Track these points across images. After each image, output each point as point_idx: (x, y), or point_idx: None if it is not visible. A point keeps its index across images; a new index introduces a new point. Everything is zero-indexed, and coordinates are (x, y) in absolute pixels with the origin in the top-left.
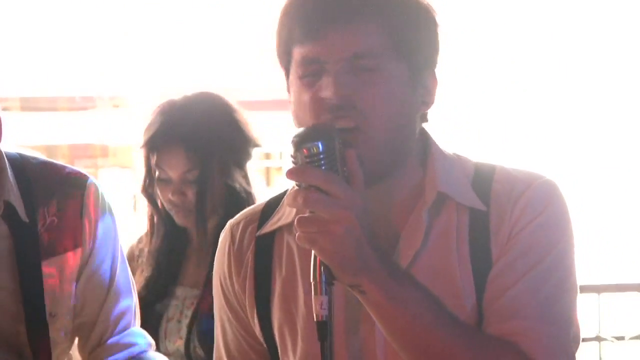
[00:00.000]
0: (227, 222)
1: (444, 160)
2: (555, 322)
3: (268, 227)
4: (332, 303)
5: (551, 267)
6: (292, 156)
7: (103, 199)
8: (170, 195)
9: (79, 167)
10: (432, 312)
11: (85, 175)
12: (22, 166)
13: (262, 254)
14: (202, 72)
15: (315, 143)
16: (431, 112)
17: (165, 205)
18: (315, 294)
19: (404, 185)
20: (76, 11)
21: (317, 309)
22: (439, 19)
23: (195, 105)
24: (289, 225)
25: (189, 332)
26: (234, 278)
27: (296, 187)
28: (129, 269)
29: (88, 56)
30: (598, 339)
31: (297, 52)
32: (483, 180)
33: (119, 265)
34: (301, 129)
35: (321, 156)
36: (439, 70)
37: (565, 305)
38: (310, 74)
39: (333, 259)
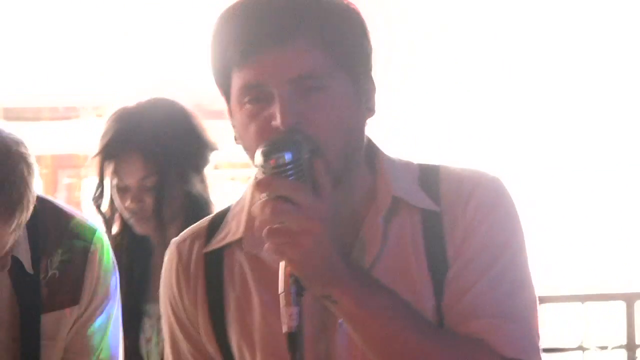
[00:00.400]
0: (191, 223)
1: (391, 164)
2: (518, 317)
3: (216, 244)
4: (302, 313)
5: (508, 264)
6: (261, 166)
7: (108, 254)
8: (128, 203)
9: (62, 176)
10: (403, 316)
11: (92, 228)
12: (34, 212)
13: (212, 270)
14: (184, 80)
15: (283, 153)
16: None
17: (124, 214)
18: (286, 305)
19: (355, 194)
20: (59, 21)
21: (287, 321)
22: (364, 18)
23: (151, 112)
24: (238, 241)
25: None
26: (184, 296)
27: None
28: (120, 326)
29: (71, 66)
30: (581, 348)
31: (237, 77)
32: (430, 181)
33: (111, 324)
34: (269, 140)
35: (289, 166)
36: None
37: (525, 300)
38: (253, 99)
39: (303, 269)
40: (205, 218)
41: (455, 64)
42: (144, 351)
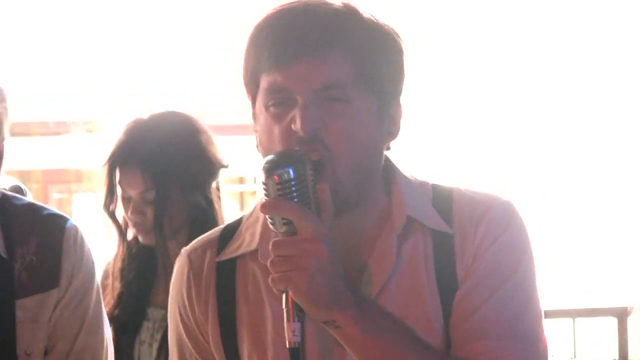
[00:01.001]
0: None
1: (407, 184)
2: (523, 339)
3: (229, 253)
4: (304, 329)
5: (515, 286)
6: (263, 183)
7: (82, 241)
8: (129, 214)
9: (53, 191)
10: (404, 340)
11: (65, 217)
12: (3, 205)
13: (224, 280)
14: (175, 96)
15: (286, 169)
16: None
17: (128, 223)
18: (288, 320)
19: (370, 213)
20: (49, 37)
21: (289, 336)
22: (404, 45)
23: (157, 125)
24: (253, 252)
25: (158, 356)
26: (194, 305)
27: (269, 221)
28: (104, 310)
29: (61, 81)
30: None
31: (265, 80)
32: (443, 202)
33: (91, 307)
34: (271, 156)
35: (292, 182)
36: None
37: (531, 322)
38: (277, 103)
39: (308, 296)
40: (216, 228)
41: (463, 76)
42: (135, 352)
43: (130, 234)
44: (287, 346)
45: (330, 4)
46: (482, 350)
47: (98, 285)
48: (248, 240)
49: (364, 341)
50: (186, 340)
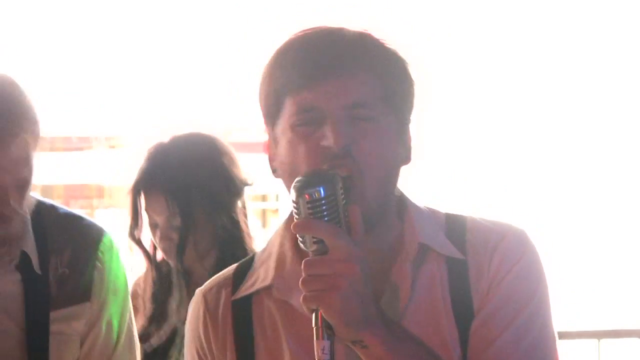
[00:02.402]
0: (221, 264)
1: (419, 214)
2: None
3: (244, 291)
4: (333, 349)
5: (532, 316)
6: (293, 202)
7: (117, 254)
8: (158, 241)
9: (75, 207)
10: None
11: (101, 229)
12: (41, 214)
13: (241, 317)
14: (198, 112)
15: (318, 188)
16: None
17: (159, 248)
18: (317, 338)
19: (385, 240)
20: (73, 52)
21: (318, 354)
22: (415, 76)
23: (179, 149)
24: (267, 288)
25: None
26: (212, 344)
27: (299, 239)
28: (135, 326)
29: (85, 96)
30: None
31: (292, 101)
32: (456, 231)
33: (126, 322)
34: (303, 175)
35: (323, 202)
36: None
37: (548, 351)
38: (305, 122)
39: (341, 315)
40: (230, 267)
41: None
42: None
43: (159, 254)
44: None
45: (350, 29)
46: None
47: (130, 300)
48: (262, 277)
49: None
50: None
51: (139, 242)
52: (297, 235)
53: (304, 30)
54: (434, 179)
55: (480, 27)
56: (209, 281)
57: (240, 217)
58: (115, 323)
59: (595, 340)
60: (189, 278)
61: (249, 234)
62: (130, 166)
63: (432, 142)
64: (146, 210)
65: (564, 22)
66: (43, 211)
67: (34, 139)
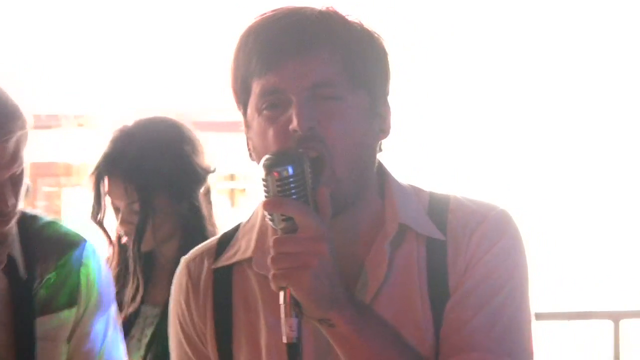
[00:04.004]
0: (183, 251)
1: (401, 191)
2: (513, 352)
3: (225, 261)
4: (302, 325)
5: (507, 299)
6: (262, 179)
7: (99, 261)
8: (119, 224)
9: (42, 185)
10: (396, 346)
11: (82, 236)
12: (24, 223)
13: (221, 287)
14: (167, 92)
15: (286, 167)
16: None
17: (120, 232)
18: (286, 316)
19: (364, 217)
20: (41, 31)
21: (287, 331)
22: (388, 47)
23: (141, 135)
24: (248, 260)
25: (147, 351)
26: (193, 312)
27: (267, 217)
28: (120, 331)
29: (54, 75)
30: None
31: (257, 84)
32: (439, 210)
33: (111, 328)
34: (271, 154)
35: (291, 180)
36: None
37: (522, 335)
38: (271, 105)
39: (310, 293)
40: (215, 237)
41: (461, 80)
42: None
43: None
44: (285, 341)
45: (313, 8)
46: None
47: (114, 305)
48: (244, 248)
49: (356, 343)
50: (186, 348)
51: (100, 225)
52: (266, 214)
53: (266, 12)
54: (437, 167)
55: (475, 21)
56: (193, 250)
57: (203, 204)
58: (100, 329)
59: (566, 322)
60: (152, 262)
61: (211, 222)
62: (99, 145)
63: (431, 130)
64: (108, 194)
65: (560, 18)
66: (26, 220)
67: (25, 135)
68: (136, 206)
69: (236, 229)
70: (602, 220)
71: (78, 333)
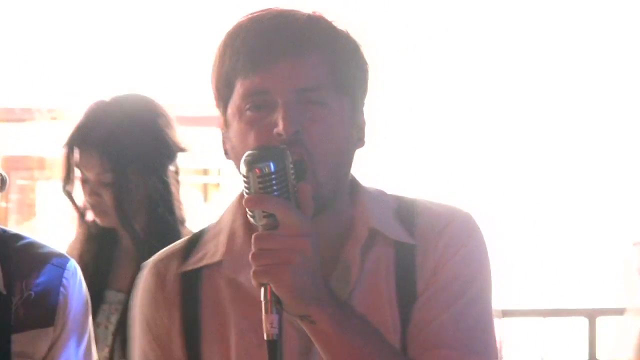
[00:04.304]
0: (152, 225)
1: (370, 196)
2: (479, 351)
3: (192, 264)
4: (282, 322)
5: (473, 299)
6: (244, 176)
7: (80, 283)
8: (87, 196)
9: (16, 178)
10: (375, 343)
11: (66, 256)
12: (4, 241)
13: (188, 291)
14: (141, 86)
15: (268, 163)
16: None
17: (87, 205)
18: (266, 312)
19: (336, 221)
20: (14, 23)
21: (267, 328)
22: (369, 59)
23: (116, 107)
24: (217, 264)
25: (114, 339)
26: (163, 315)
27: (249, 214)
28: (94, 349)
29: (28, 68)
30: None
31: (241, 84)
32: (406, 214)
33: (86, 347)
34: (253, 150)
35: (273, 176)
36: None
37: (487, 334)
38: (254, 106)
39: (291, 290)
40: (182, 239)
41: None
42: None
43: (90, 215)
44: (265, 338)
45: (301, 11)
46: (438, 358)
47: (91, 327)
48: (212, 251)
49: (337, 339)
50: (151, 352)
51: (70, 196)
52: (247, 210)
53: (255, 12)
54: (430, 168)
55: (469, 25)
56: (160, 252)
57: (172, 182)
58: (75, 348)
59: (541, 319)
60: (115, 244)
61: (178, 200)
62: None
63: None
64: (78, 165)
65: (552, 21)
66: (7, 238)
67: None
68: (106, 177)
69: (202, 232)
70: (579, 217)
71: (53, 353)
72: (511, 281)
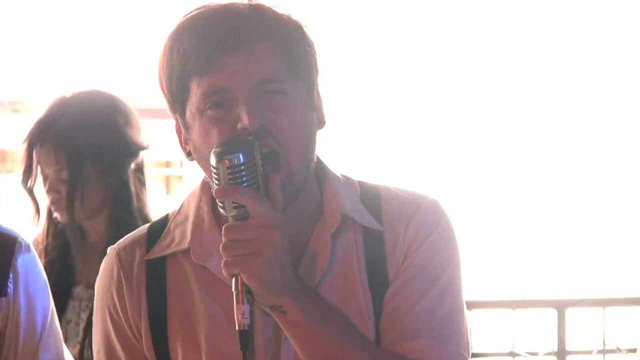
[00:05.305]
0: (111, 224)
1: (338, 182)
2: (453, 339)
3: (159, 252)
4: (253, 312)
5: (446, 286)
6: (213, 167)
7: (34, 256)
8: (46, 192)
9: None
10: (346, 332)
11: (16, 232)
12: None
13: (155, 278)
14: (105, 78)
15: (237, 154)
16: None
17: (48, 200)
18: (237, 303)
19: (307, 207)
20: None
21: (239, 318)
22: (313, 37)
23: (76, 104)
24: (184, 252)
25: (85, 335)
26: (127, 303)
27: (219, 205)
28: (58, 325)
29: None
30: (512, 354)
31: (197, 85)
32: (372, 200)
33: (48, 320)
34: (222, 141)
35: (242, 167)
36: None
37: (460, 321)
38: (215, 105)
39: (262, 280)
40: (143, 226)
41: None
42: (62, 332)
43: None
44: (237, 328)
45: (240, 2)
46: (414, 349)
47: (52, 305)
48: (178, 239)
49: (308, 329)
50: (116, 340)
51: (30, 192)
52: (217, 201)
53: (193, 11)
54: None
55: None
56: (122, 239)
57: (132, 180)
58: (36, 320)
59: (510, 310)
60: (83, 239)
61: (140, 199)
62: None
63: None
64: (38, 161)
65: (543, 25)
66: None
67: None
68: (64, 174)
69: (165, 220)
70: (549, 209)
71: (11, 323)
72: (479, 273)
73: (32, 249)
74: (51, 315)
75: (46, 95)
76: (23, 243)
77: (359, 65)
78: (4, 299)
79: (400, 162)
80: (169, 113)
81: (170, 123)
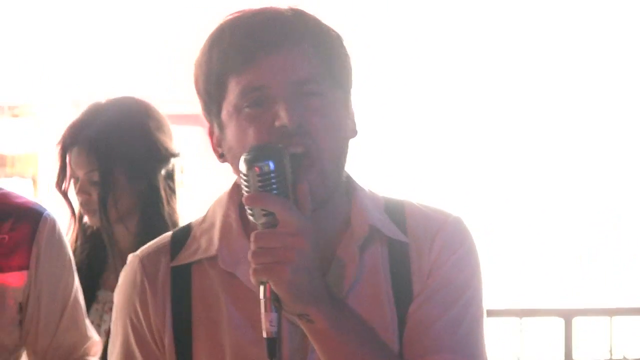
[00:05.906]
0: (140, 229)
1: (364, 193)
2: (474, 354)
3: (185, 259)
4: (281, 320)
5: (469, 303)
6: (243, 174)
7: (59, 232)
8: (76, 194)
9: None
10: (372, 343)
11: (42, 207)
12: None
13: (180, 285)
14: (105, 83)
15: (267, 162)
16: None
17: (78, 202)
18: (265, 310)
19: (334, 216)
20: None
21: (266, 326)
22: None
23: (109, 108)
24: (211, 259)
25: (108, 338)
26: (150, 310)
27: (248, 212)
28: (83, 306)
29: None
30: None
31: (236, 82)
32: (396, 213)
33: (72, 297)
34: (252, 148)
35: (272, 175)
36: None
37: (480, 338)
38: (253, 103)
39: (290, 288)
40: (165, 234)
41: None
42: None
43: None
44: (265, 335)
45: (282, 7)
46: None
47: (77, 282)
48: (205, 246)
49: (334, 338)
50: (136, 348)
51: (64, 195)
52: (246, 208)
53: (234, 13)
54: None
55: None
56: (144, 247)
57: (162, 186)
58: (58, 295)
59: (517, 319)
60: (113, 240)
61: (170, 204)
62: (34, 135)
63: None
64: (70, 163)
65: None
66: None
67: None
68: (95, 175)
69: (188, 227)
70: (556, 218)
71: (34, 296)
72: (487, 281)
73: (58, 225)
74: (75, 292)
75: (46, 100)
76: (49, 218)
77: (367, 75)
78: (25, 272)
79: (407, 171)
80: (201, 116)
81: (173, 128)
